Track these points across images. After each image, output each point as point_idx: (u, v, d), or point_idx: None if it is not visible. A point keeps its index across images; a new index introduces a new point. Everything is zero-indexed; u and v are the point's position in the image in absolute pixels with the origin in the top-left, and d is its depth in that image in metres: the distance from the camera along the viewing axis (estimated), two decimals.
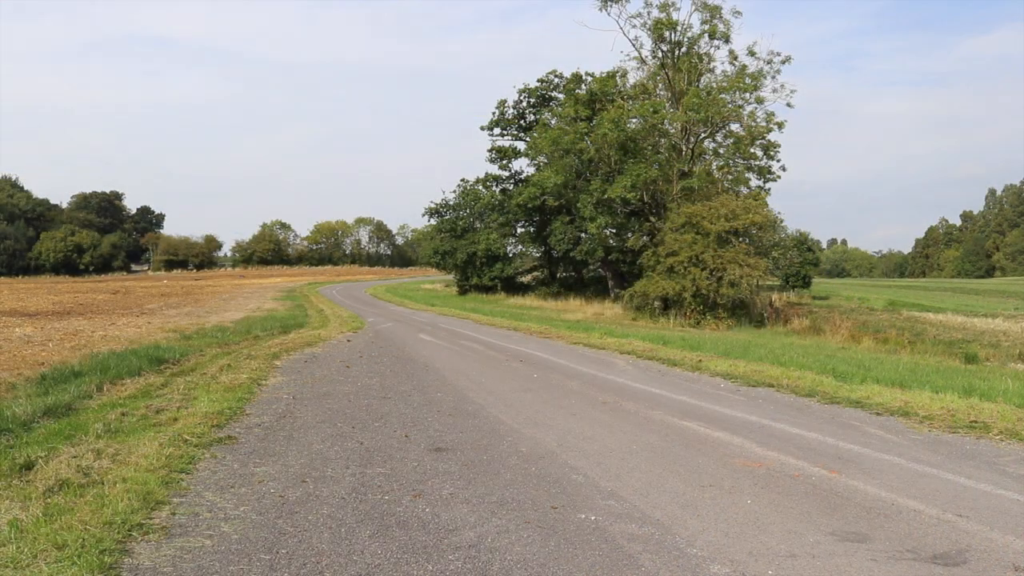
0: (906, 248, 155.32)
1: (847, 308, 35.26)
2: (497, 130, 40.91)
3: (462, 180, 45.04)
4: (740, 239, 24.73)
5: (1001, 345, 22.23)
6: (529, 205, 34.26)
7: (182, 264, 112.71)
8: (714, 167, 29.69)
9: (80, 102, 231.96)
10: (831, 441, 5.98)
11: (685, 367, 10.79)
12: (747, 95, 28.13)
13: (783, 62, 28.62)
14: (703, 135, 29.53)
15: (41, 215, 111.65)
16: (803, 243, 48.86)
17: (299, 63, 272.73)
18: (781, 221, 26.65)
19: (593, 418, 6.62)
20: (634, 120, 29.09)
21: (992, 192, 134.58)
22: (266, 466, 4.73)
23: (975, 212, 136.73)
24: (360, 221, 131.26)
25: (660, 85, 30.55)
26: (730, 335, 18.79)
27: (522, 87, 40.00)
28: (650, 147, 29.99)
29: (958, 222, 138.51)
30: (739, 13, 30.55)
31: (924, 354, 16.41)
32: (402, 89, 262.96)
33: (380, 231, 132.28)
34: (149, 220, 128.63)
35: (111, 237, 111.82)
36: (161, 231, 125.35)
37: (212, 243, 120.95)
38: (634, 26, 31.85)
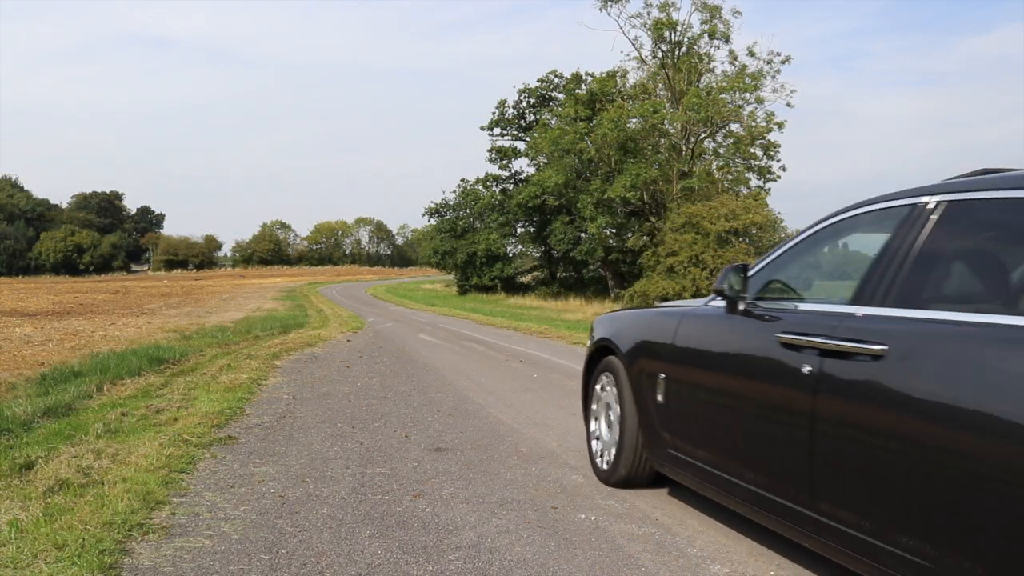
0: None
1: None
2: (497, 130, 40.92)
3: (462, 180, 45.10)
4: (740, 239, 24.74)
5: None
6: (529, 204, 34.27)
7: (182, 264, 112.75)
8: (714, 167, 29.73)
9: (80, 102, 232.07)
10: None
11: None
12: (747, 95, 28.19)
13: (783, 62, 28.70)
14: (703, 135, 29.56)
15: (41, 215, 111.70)
16: None
17: (299, 63, 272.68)
18: (781, 221, 26.66)
19: None
20: (634, 120, 29.12)
21: None
22: (266, 466, 4.73)
23: None
24: (360, 221, 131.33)
25: (660, 85, 30.58)
26: None
27: (522, 87, 40.04)
28: (650, 147, 30.02)
29: None
30: (739, 13, 30.62)
31: None
32: (402, 89, 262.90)
33: (380, 231, 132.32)
34: (149, 220, 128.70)
35: (111, 237, 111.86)
36: (161, 231, 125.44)
37: (212, 243, 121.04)
38: (634, 26, 31.91)
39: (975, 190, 2.52)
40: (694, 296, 24.12)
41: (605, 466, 4.32)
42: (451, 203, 43.64)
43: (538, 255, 42.66)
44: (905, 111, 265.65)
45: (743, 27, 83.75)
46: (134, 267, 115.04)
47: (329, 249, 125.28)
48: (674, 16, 28.98)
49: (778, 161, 29.64)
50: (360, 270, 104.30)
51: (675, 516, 3.87)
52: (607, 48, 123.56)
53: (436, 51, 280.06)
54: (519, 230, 41.13)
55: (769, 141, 29.04)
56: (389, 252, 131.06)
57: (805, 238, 3.34)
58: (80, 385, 7.33)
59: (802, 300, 3.20)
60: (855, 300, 2.70)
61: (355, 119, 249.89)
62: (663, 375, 3.70)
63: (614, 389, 4.20)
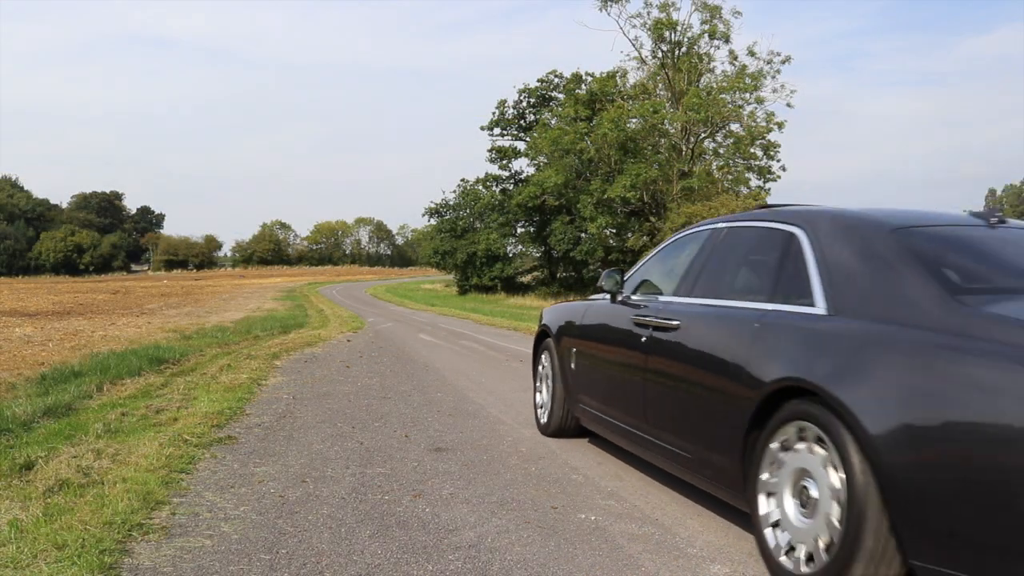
0: None
1: None
2: (497, 130, 40.97)
3: (462, 180, 45.07)
4: None
5: None
6: (529, 204, 34.26)
7: (182, 264, 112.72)
8: (714, 167, 29.73)
9: (80, 102, 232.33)
10: None
11: None
12: (747, 95, 28.19)
13: (783, 62, 28.74)
14: (703, 135, 29.56)
15: (41, 215, 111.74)
16: None
17: (299, 63, 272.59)
18: None
19: None
20: (634, 120, 29.12)
21: (992, 192, 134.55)
22: (266, 466, 4.73)
23: None
24: (360, 221, 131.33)
25: (660, 85, 30.59)
26: None
27: (522, 87, 40.10)
28: (650, 147, 30.01)
29: None
30: (739, 13, 30.64)
31: None
32: (402, 89, 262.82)
33: (380, 231, 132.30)
34: (149, 220, 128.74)
35: (111, 237, 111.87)
36: (161, 231, 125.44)
37: (212, 243, 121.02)
38: (634, 26, 31.95)
39: (744, 220, 3.82)
40: None
41: (544, 421, 5.64)
42: (451, 203, 43.62)
43: (538, 255, 42.65)
44: (905, 111, 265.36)
45: (743, 27, 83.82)
46: (134, 267, 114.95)
47: (329, 249, 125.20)
48: (674, 16, 29.00)
49: (778, 161, 29.66)
50: (360, 270, 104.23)
51: (675, 516, 3.87)
52: (607, 48, 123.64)
53: (436, 51, 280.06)
54: (519, 230, 41.14)
55: (769, 141, 29.05)
56: (389, 252, 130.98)
57: (659, 252, 4.67)
58: (80, 385, 7.33)
59: (660, 294, 4.25)
60: (675, 293, 4.04)
61: (355, 119, 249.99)
62: (575, 349, 5.01)
63: (550, 363, 5.44)
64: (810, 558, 2.68)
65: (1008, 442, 2.09)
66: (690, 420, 3.52)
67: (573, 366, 5.01)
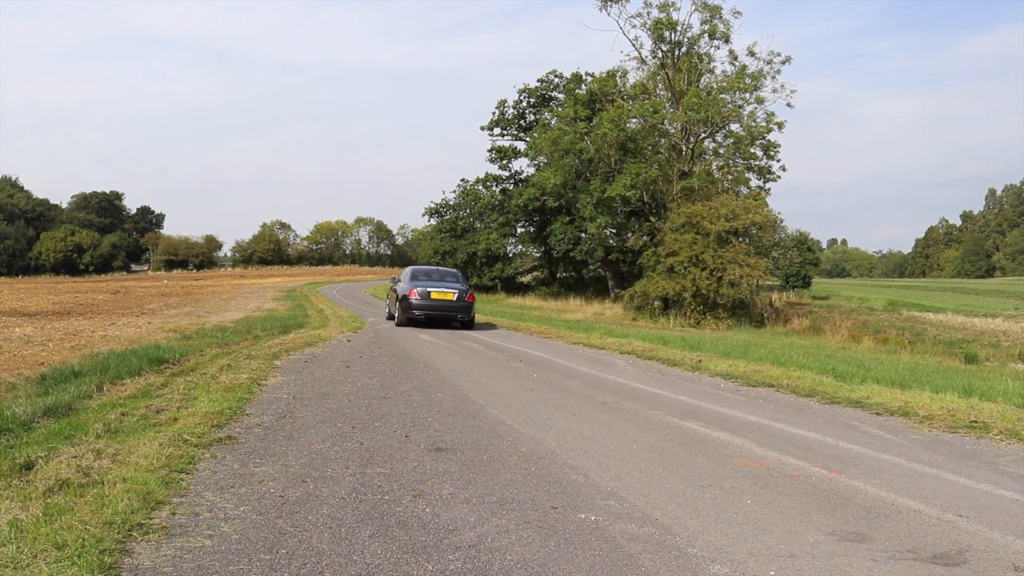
0: (906, 248, 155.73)
1: (847, 308, 35.28)
2: (497, 130, 40.95)
3: (462, 180, 45.01)
4: (740, 239, 24.71)
5: (1001, 345, 22.23)
6: (529, 207, 34.22)
7: (182, 264, 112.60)
8: (714, 167, 29.65)
9: (80, 102, 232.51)
10: (831, 441, 5.98)
11: (685, 367, 10.80)
12: (747, 95, 28.12)
13: (783, 62, 28.68)
14: (703, 135, 29.50)
15: (41, 215, 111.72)
16: (803, 243, 48.91)
17: (299, 63, 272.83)
18: (781, 221, 26.59)
19: (593, 418, 6.62)
20: (634, 120, 29.08)
21: (992, 192, 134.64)
22: (266, 466, 4.73)
23: (975, 212, 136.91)
24: (360, 221, 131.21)
25: (660, 85, 30.53)
26: (730, 335, 18.78)
27: (522, 87, 40.09)
28: (650, 147, 29.95)
29: (958, 222, 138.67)
30: (739, 13, 30.61)
31: (924, 354, 16.42)
32: (402, 89, 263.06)
33: (380, 231, 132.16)
34: (149, 220, 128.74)
35: (111, 237, 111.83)
36: (161, 231, 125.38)
37: (212, 243, 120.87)
38: (634, 26, 31.92)
39: (408, 268, 20.43)
40: (693, 295, 24.27)
41: (386, 319, 20.32)
42: (451, 203, 43.62)
43: (538, 255, 42.66)
44: (905, 111, 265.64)
45: (743, 27, 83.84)
46: (134, 267, 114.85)
47: (329, 249, 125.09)
48: (674, 16, 28.96)
49: (778, 161, 29.60)
50: (360, 270, 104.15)
51: (675, 516, 3.87)
52: (607, 48, 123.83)
53: (436, 51, 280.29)
54: (519, 230, 41.13)
55: (769, 141, 29.00)
56: (389, 252, 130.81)
57: (405, 272, 19.66)
58: (80, 385, 7.32)
59: (399, 282, 19.21)
60: (399, 283, 19.24)
61: (355, 119, 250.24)
62: (389, 295, 20.94)
63: (388, 299, 21.30)
64: (396, 317, 18.49)
65: (400, 294, 18.23)
66: (394, 303, 18.94)
67: (389, 299, 20.47)
